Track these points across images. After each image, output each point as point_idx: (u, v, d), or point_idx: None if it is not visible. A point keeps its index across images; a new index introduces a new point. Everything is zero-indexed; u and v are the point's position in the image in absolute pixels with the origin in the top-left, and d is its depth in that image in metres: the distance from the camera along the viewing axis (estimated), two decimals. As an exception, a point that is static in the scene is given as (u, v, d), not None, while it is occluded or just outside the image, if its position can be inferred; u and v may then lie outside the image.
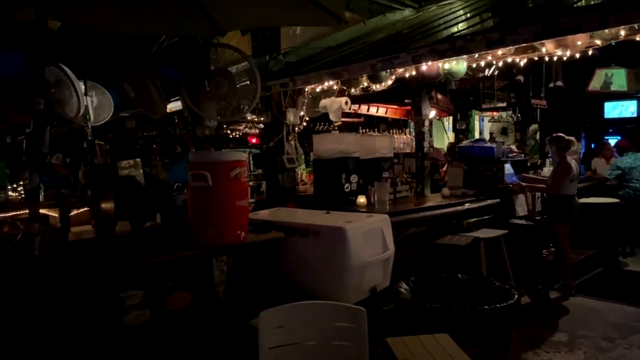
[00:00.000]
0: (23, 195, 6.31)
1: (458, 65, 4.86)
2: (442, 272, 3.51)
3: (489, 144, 5.82)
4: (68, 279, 2.19)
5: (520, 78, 7.56)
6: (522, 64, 4.88)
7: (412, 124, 8.24)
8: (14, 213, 5.34)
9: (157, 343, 2.46)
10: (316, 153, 4.79)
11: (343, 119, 7.34)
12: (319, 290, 2.83)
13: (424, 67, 4.72)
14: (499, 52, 4.25)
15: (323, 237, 2.93)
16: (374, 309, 2.22)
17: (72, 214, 5.63)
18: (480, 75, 5.18)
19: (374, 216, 3.33)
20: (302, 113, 5.45)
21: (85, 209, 5.65)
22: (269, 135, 5.25)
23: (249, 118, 8.62)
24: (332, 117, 6.02)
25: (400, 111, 8.78)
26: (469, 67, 5.12)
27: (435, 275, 3.47)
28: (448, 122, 9.89)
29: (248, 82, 3.41)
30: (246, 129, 12.51)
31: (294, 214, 3.64)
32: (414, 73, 5.01)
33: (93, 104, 3.99)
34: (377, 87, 5.57)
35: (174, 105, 5.60)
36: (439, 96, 7.50)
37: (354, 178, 4.64)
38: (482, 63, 4.80)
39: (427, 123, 5.75)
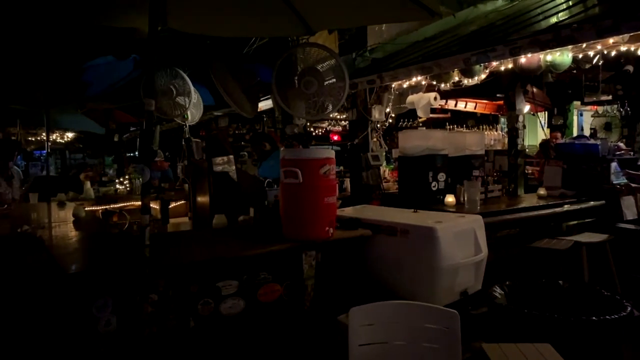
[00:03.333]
0: (129, 188, 6.91)
1: (562, 56, 4.50)
2: (540, 278, 3.29)
3: (592, 141, 5.36)
4: (173, 267, 2.35)
5: (630, 68, 6.81)
6: (639, 52, 4.40)
7: (503, 119, 7.81)
8: (121, 204, 5.87)
9: (249, 332, 2.57)
10: (402, 150, 4.71)
11: (429, 115, 7.15)
12: (407, 291, 2.79)
13: (522, 59, 4.44)
14: (610, 40, 3.88)
15: (412, 236, 2.87)
16: (463, 313, 2.14)
17: (171, 206, 6.05)
18: (587, 66, 4.74)
19: (466, 216, 3.21)
20: (387, 110, 5.40)
21: (183, 202, 6.04)
22: (354, 132, 5.26)
23: (332, 115, 8.72)
24: (419, 113, 5.89)
25: (490, 106, 8.37)
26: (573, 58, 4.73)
27: (532, 280, 3.26)
28: (543, 117, 9.24)
29: (335, 80, 3.44)
30: (329, 127, 12.66)
31: (380, 212, 3.61)
32: (510, 66, 4.73)
33: (190, 104, 4.26)
34: (469, 82, 5.35)
35: (264, 104, 5.83)
36: (534, 90, 7.02)
37: (441, 176, 4.50)
38: (591, 53, 4.39)
39: (520, 118, 5.42)
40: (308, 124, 9.22)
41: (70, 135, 12.71)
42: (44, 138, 11.15)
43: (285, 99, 3.45)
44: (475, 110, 8.42)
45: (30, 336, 2.16)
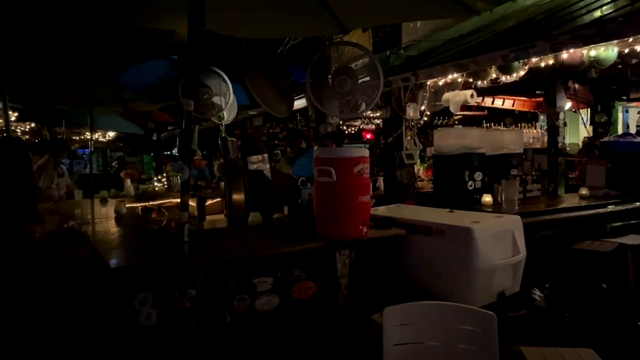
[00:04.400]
0: (167, 186, 7.11)
1: (607, 51, 4.33)
2: (582, 280, 3.18)
3: (638, 139, 5.12)
4: (210, 263, 2.41)
5: (680, 62, 6.49)
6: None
7: (543, 117, 7.57)
8: (160, 201, 6.05)
9: (284, 329, 2.60)
10: (437, 148, 4.65)
11: (465, 113, 7.03)
12: (442, 291, 2.75)
13: (564, 55, 4.29)
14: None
15: (448, 236, 2.83)
16: (500, 315, 2.09)
17: (207, 203, 6.18)
18: (634, 61, 4.55)
19: (503, 217, 3.13)
20: (422, 107, 5.33)
21: (219, 199, 6.16)
22: (388, 130, 5.22)
23: (365, 114, 8.67)
24: (451, 108, 5.79)
25: (529, 103, 8.12)
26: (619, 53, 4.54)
27: (573, 283, 3.15)
28: (586, 114, 8.89)
29: (369, 79, 3.43)
30: (362, 125, 12.61)
31: (415, 212, 3.57)
32: (551, 62, 4.58)
33: (227, 104, 4.33)
34: (507, 79, 5.21)
35: (297, 103, 5.86)
36: (576, 86, 6.76)
37: (478, 175, 4.42)
38: (638, 48, 4.20)
39: (561, 116, 5.25)
40: (341, 122, 9.23)
41: (111, 134, 13.17)
42: (87, 137, 11.63)
43: (318, 98, 3.47)
44: (513, 108, 8.18)
45: (77, 325, 2.27)
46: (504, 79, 5.23)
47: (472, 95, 5.66)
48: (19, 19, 3.39)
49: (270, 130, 11.26)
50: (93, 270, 2.29)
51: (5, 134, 3.75)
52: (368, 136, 13.82)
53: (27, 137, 10.88)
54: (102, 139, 13.24)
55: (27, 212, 2.65)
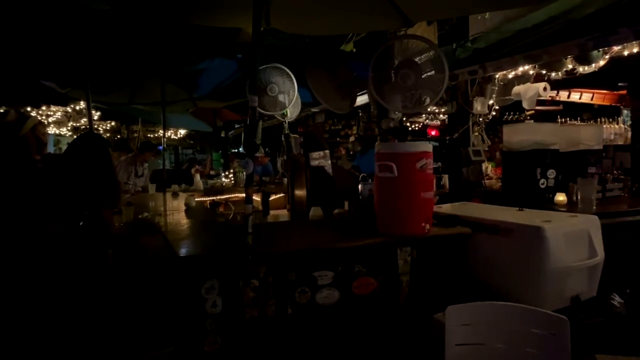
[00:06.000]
0: (233, 181, 7.37)
1: None
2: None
3: None
4: (273, 255, 2.47)
5: None
6: None
7: (626, 111, 6.99)
8: (227, 196, 6.29)
9: (344, 324, 2.61)
10: (507, 144, 4.44)
11: (538, 107, 6.64)
12: (509, 292, 2.63)
13: (650, 42, 3.95)
14: None
15: (517, 236, 2.70)
16: (573, 320, 1.96)
17: (271, 198, 6.35)
18: None
19: (579, 216, 2.94)
20: (491, 102, 5.11)
21: (282, 194, 6.31)
22: (453, 126, 5.07)
23: (430, 109, 8.47)
24: (525, 104, 5.49)
25: (610, 96, 7.54)
26: None
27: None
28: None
29: (433, 72, 3.34)
30: (427, 121, 12.33)
31: (481, 210, 3.44)
32: (635, 50, 4.22)
33: (292, 102, 4.40)
34: (584, 69, 4.86)
35: (359, 100, 5.83)
36: (666, 76, 6.18)
37: (551, 173, 4.17)
38: None
39: (648, 109, 4.82)
40: (404, 118, 9.08)
41: (182, 132, 13.87)
42: (161, 135, 12.32)
43: (381, 93, 3.43)
44: (592, 102, 7.63)
45: (149, 308, 2.41)
46: (581, 69, 4.88)
47: (544, 89, 5.33)
48: (101, 25, 3.65)
49: (332, 127, 11.32)
50: (164, 257, 2.42)
51: (89, 132, 4.08)
52: (433, 133, 13.48)
53: (107, 135, 11.73)
54: (174, 137, 13.99)
55: (108, 203, 2.85)
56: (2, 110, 6.16)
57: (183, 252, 2.40)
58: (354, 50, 5.18)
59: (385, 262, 2.72)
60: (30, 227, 2.60)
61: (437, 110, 10.27)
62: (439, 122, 12.58)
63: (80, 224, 2.72)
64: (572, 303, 2.74)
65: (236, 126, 12.32)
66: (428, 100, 3.37)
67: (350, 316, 2.63)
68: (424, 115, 11.72)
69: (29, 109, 8.12)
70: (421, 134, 13.28)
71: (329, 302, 2.57)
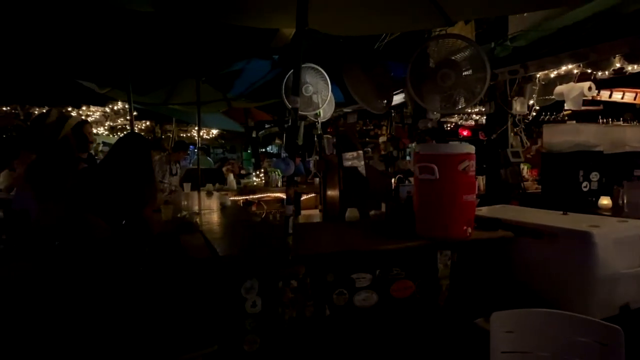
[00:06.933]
0: (264, 181, 7.43)
1: None
2: None
3: None
4: (313, 256, 2.46)
5: None
6: None
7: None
8: (259, 195, 6.35)
9: (382, 327, 2.58)
10: (547, 146, 4.31)
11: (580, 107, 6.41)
12: (554, 299, 2.54)
13: None
14: None
15: (563, 241, 2.61)
16: (623, 329, 1.88)
17: (302, 198, 6.37)
18: None
19: (629, 222, 2.82)
20: (531, 102, 4.97)
21: (313, 195, 6.31)
22: (491, 126, 4.95)
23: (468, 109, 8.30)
24: (569, 105, 5.31)
25: (655, 96, 7.21)
26: None
27: None
28: None
29: (472, 72, 3.27)
30: (460, 121, 12.10)
31: (523, 213, 3.34)
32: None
33: (325, 102, 4.39)
34: (633, 68, 4.66)
35: (394, 99, 5.76)
36: None
37: (594, 176, 4.03)
38: None
39: (700, 109, 4.59)
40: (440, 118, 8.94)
41: (214, 132, 14.07)
42: (193, 134, 12.53)
43: (419, 93, 3.38)
44: (635, 102, 7.32)
45: (189, 306, 2.44)
46: (630, 68, 4.67)
47: (589, 88, 5.14)
48: (144, 27, 3.73)
49: (364, 128, 11.25)
50: (205, 257, 2.45)
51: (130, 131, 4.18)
52: (465, 133, 13.23)
53: (143, 134, 12.02)
54: (206, 136, 14.21)
55: (149, 201, 2.91)
56: (44, 110, 6.39)
57: (224, 251, 2.42)
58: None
59: (423, 265, 2.68)
60: (76, 225, 2.67)
61: (471, 110, 10.06)
62: (472, 123, 12.33)
63: (123, 222, 2.78)
64: (621, 312, 2.63)
65: (266, 126, 12.41)
66: (466, 100, 3.31)
67: (389, 319, 2.60)
68: (456, 116, 11.50)
69: (69, 109, 8.40)
70: (453, 134, 13.05)
71: (367, 304, 2.55)
